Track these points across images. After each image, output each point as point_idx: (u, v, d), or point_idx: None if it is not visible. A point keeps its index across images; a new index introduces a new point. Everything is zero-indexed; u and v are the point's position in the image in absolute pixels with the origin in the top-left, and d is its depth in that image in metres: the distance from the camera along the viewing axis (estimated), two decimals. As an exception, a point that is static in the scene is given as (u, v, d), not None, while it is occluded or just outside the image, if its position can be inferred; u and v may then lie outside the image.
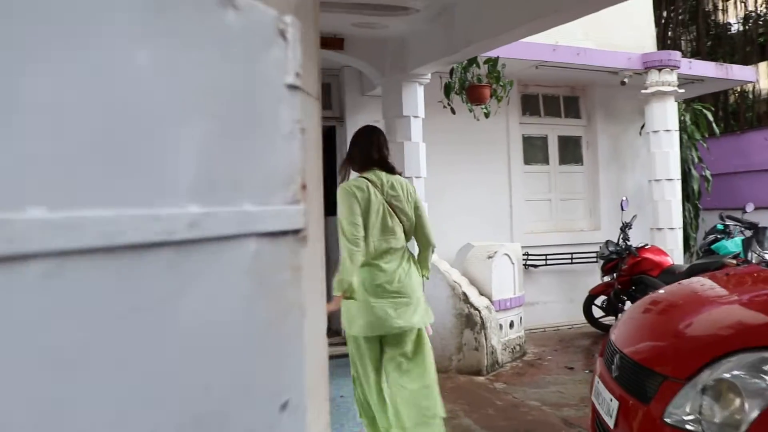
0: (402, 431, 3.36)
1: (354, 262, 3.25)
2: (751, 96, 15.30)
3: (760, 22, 16.26)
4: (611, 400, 2.69)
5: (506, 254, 6.34)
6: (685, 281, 3.55)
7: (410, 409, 3.36)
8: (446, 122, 6.87)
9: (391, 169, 3.59)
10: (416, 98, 6.05)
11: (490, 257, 6.22)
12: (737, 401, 2.14)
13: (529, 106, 8.20)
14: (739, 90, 14.83)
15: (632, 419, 2.49)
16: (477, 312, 5.83)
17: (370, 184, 3.44)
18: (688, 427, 2.22)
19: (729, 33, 17.37)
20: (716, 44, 17.29)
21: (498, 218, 7.69)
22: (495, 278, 6.18)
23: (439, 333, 5.83)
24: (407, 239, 3.60)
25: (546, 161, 8.25)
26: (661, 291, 3.48)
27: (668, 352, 2.54)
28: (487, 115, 6.36)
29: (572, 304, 7.80)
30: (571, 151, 8.45)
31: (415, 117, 6.04)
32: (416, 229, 3.64)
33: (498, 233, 7.57)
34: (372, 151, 3.58)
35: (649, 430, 2.37)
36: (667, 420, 2.28)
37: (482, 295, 6.09)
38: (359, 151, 3.62)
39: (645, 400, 2.42)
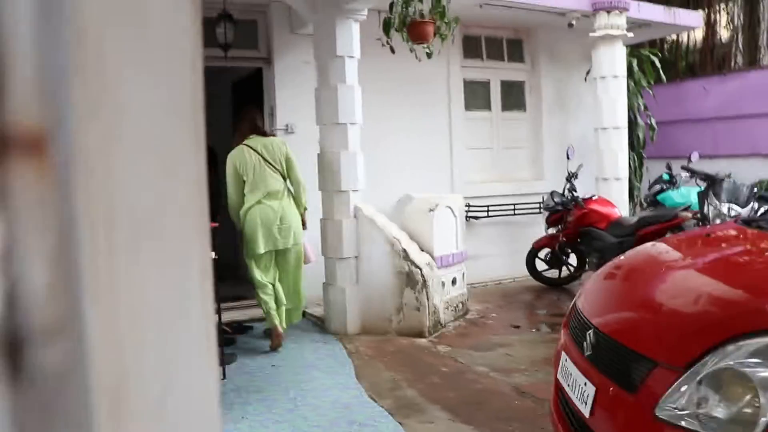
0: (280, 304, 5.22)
1: (234, 209, 5.07)
2: (685, 45, 15.30)
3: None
4: (585, 384, 2.33)
5: (448, 207, 6.07)
6: (656, 243, 3.23)
7: (287, 293, 5.26)
8: (383, 64, 6.51)
9: (264, 134, 5.25)
10: (351, 36, 5.67)
11: (431, 210, 5.92)
12: (747, 395, 1.83)
13: (471, 48, 7.85)
14: (674, 39, 14.79)
15: (615, 410, 2.15)
16: (418, 270, 5.54)
17: (246, 148, 5.06)
18: (684, 423, 1.89)
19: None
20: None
21: (438, 167, 7.47)
22: (437, 233, 5.90)
23: (378, 292, 5.67)
24: (285, 181, 5.13)
25: (488, 107, 7.99)
26: (631, 253, 3.15)
27: (657, 331, 2.17)
28: (429, 56, 5.90)
29: (515, 256, 7.59)
30: (514, 97, 8.19)
31: (350, 57, 5.68)
32: (289, 174, 5.16)
33: (438, 184, 7.35)
34: (251, 122, 5.21)
35: (637, 425, 2.04)
36: (660, 414, 1.93)
37: (423, 251, 5.81)
38: (244, 123, 5.22)
39: (630, 389, 2.07)
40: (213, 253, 4.88)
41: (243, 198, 5.07)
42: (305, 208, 5.30)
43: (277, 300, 5.23)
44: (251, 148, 5.08)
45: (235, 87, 7.85)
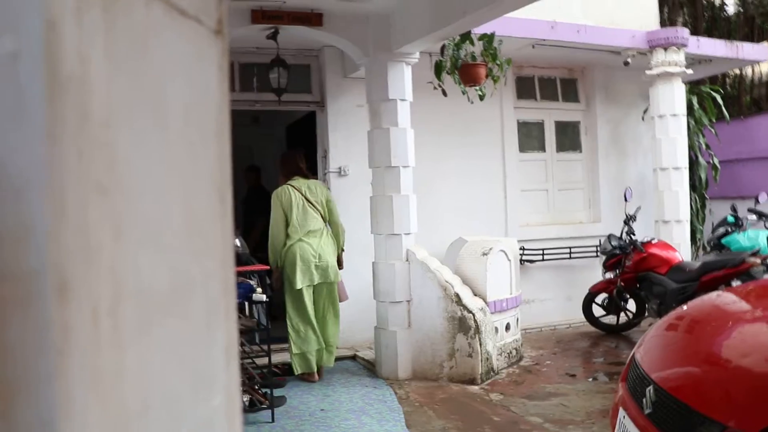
0: (322, 344, 5.44)
1: (275, 246, 5.36)
2: (749, 79, 14.85)
3: (756, 3, 15.82)
4: (646, 445, 2.22)
5: (502, 250, 5.96)
6: (722, 292, 3.07)
7: (327, 331, 5.48)
8: (436, 106, 6.55)
9: (306, 176, 5.50)
10: (403, 80, 5.69)
11: (484, 254, 5.83)
12: None
13: (525, 89, 7.77)
14: (737, 73, 14.38)
15: (678, 475, 2.04)
16: (471, 315, 5.44)
17: (290, 188, 5.39)
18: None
19: (724, 15, 16.92)
20: (711, 26, 16.86)
21: (492, 210, 7.35)
22: (490, 277, 5.80)
23: (430, 337, 5.59)
24: (325, 222, 5.46)
25: (542, 148, 7.87)
26: (695, 303, 2.99)
27: (725, 392, 2.03)
28: (482, 98, 5.93)
29: (570, 302, 7.45)
30: (569, 137, 8.05)
31: (402, 100, 5.68)
32: (329, 216, 5.51)
33: (492, 226, 7.25)
34: (294, 164, 5.50)
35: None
36: (728, 483, 1.81)
37: (476, 295, 5.72)
38: (287, 165, 5.52)
39: (694, 453, 1.97)
40: (265, 296, 4.93)
41: (285, 235, 5.37)
42: (342, 249, 5.61)
43: (312, 341, 5.40)
44: (295, 188, 5.40)
45: (290, 130, 7.91)
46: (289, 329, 5.44)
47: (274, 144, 8.21)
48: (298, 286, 5.29)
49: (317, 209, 5.40)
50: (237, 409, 0.56)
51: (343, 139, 6.60)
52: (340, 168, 6.57)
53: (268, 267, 5.46)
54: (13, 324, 0.33)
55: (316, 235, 5.37)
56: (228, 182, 0.57)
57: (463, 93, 5.92)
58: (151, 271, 0.47)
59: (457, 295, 5.45)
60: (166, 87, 0.48)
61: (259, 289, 4.88)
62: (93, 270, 0.39)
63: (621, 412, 2.57)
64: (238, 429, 0.58)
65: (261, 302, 4.89)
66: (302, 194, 5.38)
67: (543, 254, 7.41)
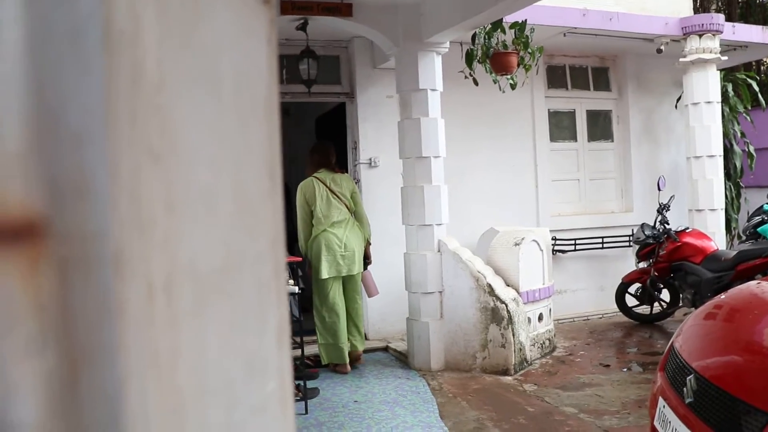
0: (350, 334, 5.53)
1: (303, 235, 5.42)
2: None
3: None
4: (687, 434, 2.17)
5: (534, 240, 5.91)
6: (761, 282, 2.99)
7: (354, 319, 5.56)
8: (466, 96, 6.52)
9: (333, 169, 5.52)
10: (434, 69, 5.61)
11: (516, 244, 5.77)
12: None
13: (555, 78, 7.67)
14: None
15: (722, 465, 1.99)
16: (504, 305, 5.39)
17: (314, 180, 5.42)
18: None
19: (759, 0, 16.60)
20: (746, 12, 16.55)
21: (523, 201, 7.24)
22: (522, 267, 5.74)
23: (462, 328, 5.55)
24: (351, 213, 5.48)
25: (574, 138, 7.75)
26: (734, 292, 2.92)
27: (769, 380, 1.99)
28: (513, 87, 5.86)
29: (603, 291, 7.38)
30: (600, 126, 7.93)
31: (433, 90, 5.60)
32: (355, 209, 5.52)
33: (523, 217, 7.16)
34: (322, 157, 5.52)
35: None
36: (776, 474, 1.76)
37: (509, 286, 5.67)
38: (315, 157, 5.53)
39: (740, 443, 1.92)
40: (297, 287, 4.92)
41: (311, 227, 5.43)
42: (369, 242, 5.61)
43: (340, 332, 5.45)
44: (320, 180, 5.44)
45: (319, 121, 7.90)
46: (316, 319, 5.51)
47: (304, 136, 8.18)
48: (324, 275, 5.34)
49: (341, 200, 5.44)
50: (290, 396, 0.54)
51: (374, 130, 6.57)
52: (370, 159, 6.55)
53: (301, 258, 5.42)
54: (76, 288, 0.32)
55: (341, 226, 5.41)
56: (278, 160, 0.56)
57: (495, 82, 5.87)
58: (204, 247, 0.46)
59: (490, 286, 5.39)
60: (218, 55, 0.47)
61: (291, 281, 4.84)
62: (147, 241, 0.37)
63: (660, 402, 2.52)
64: (291, 416, 0.55)
65: (293, 294, 4.83)
66: (326, 186, 5.42)
67: (575, 244, 7.33)
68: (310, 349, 5.66)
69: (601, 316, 7.32)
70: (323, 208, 5.38)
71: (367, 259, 5.64)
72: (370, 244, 5.65)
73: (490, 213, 6.88)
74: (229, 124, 0.49)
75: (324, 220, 5.38)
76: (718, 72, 7.38)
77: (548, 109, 7.49)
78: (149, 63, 0.38)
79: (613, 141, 7.94)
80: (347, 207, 5.47)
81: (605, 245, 7.48)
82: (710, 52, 7.02)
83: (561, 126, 7.67)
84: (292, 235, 6.12)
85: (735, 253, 6.06)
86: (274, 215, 0.55)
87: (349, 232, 5.43)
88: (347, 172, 6.19)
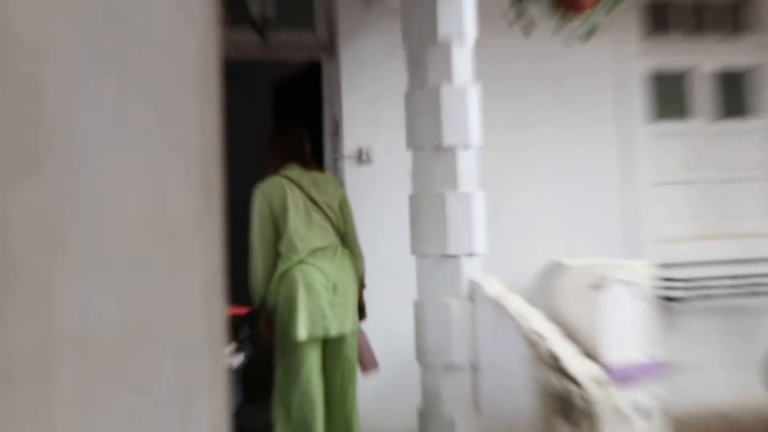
0: None
1: (259, 271, 5.09)
2: None
3: None
4: None
5: (626, 281, 5.55)
6: None
7: (343, 412, 5.29)
8: (513, 54, 6.50)
9: (308, 164, 5.25)
10: (461, 10, 5.43)
11: (597, 287, 5.44)
12: None
13: (657, 21, 7.46)
14: None
15: None
16: (578, 389, 5.00)
17: (285, 181, 5.09)
18: None
19: None
20: None
21: (606, 217, 7.05)
22: (608, 325, 5.44)
23: (508, 427, 5.23)
24: (339, 235, 5.15)
25: (687, 115, 7.54)
26: None
27: None
28: (588, 34, 5.58)
29: (748, 368, 7.08)
30: (732, 96, 7.71)
31: (460, 43, 5.41)
32: (344, 230, 5.23)
33: (608, 243, 6.92)
34: (291, 145, 5.31)
35: None
36: None
37: (585, 355, 5.29)
38: (279, 146, 5.34)
39: None
40: (241, 356, 4.63)
41: (274, 256, 5.10)
42: (363, 284, 5.36)
43: None
44: (292, 181, 5.10)
45: (279, 91, 7.78)
46: (276, 410, 5.15)
47: (253, 113, 8.11)
48: (301, 336, 4.91)
49: (326, 215, 5.13)
50: None
51: (365, 104, 6.41)
52: (359, 151, 6.41)
53: (248, 309, 5.26)
54: None
55: (327, 255, 5.11)
56: (217, 164, 0.64)
57: (557, 30, 5.66)
58: (98, 301, 0.52)
59: (554, 356, 5.05)
60: (124, 5, 0.55)
61: (232, 347, 5.12)
62: (11, 296, 0.43)
63: None
64: None
65: (236, 370, 5.06)
66: (303, 191, 5.08)
67: (697, 288, 7.07)
68: (262, 461, 5.27)
69: (742, 408, 7.06)
70: (299, 225, 5.08)
71: (360, 312, 5.43)
72: (364, 287, 5.38)
73: (554, 237, 6.75)
74: (140, 108, 0.56)
75: (300, 245, 5.02)
76: None
77: (645, 71, 7.34)
78: (20, 15, 0.44)
79: (756, 119, 7.76)
80: (334, 226, 5.17)
81: (747, 290, 7.23)
82: None
83: (667, 97, 7.37)
84: (235, 273, 6.06)
85: None
86: (209, 245, 0.64)
87: (340, 267, 5.16)
88: (323, 168, 6.04)
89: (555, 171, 6.98)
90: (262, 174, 5.43)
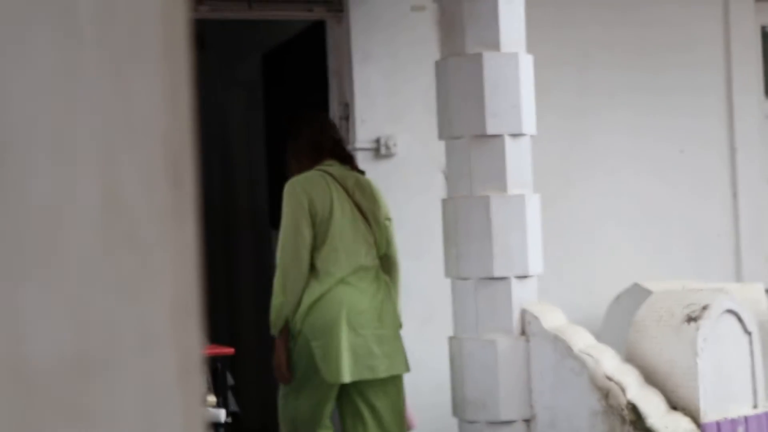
0: None
1: (291, 289, 5.09)
2: None
3: None
4: None
5: (733, 311, 5.59)
6: None
7: None
8: (576, 15, 6.68)
9: (350, 161, 5.38)
10: None
11: (692, 320, 5.42)
12: None
13: None
14: None
15: None
16: None
17: (329, 178, 5.15)
18: None
19: None
20: None
21: (705, 226, 7.10)
22: (707, 369, 5.42)
23: None
24: (379, 255, 5.28)
25: None
26: None
27: None
28: None
29: None
30: None
31: None
32: (385, 248, 5.37)
33: (705, 263, 6.95)
34: (322, 137, 5.35)
35: None
36: None
37: (676, 408, 5.38)
38: (305, 140, 5.36)
39: None
40: (224, 412, 4.60)
41: (306, 273, 5.14)
42: (400, 323, 5.40)
43: None
44: (335, 179, 5.16)
45: (269, 62, 7.82)
46: None
47: (236, 94, 8.25)
48: (344, 378, 4.97)
49: (371, 229, 5.22)
50: None
51: (384, 78, 6.45)
52: (377, 141, 6.47)
53: (232, 351, 5.41)
54: None
55: (368, 277, 5.16)
56: (188, 149, 0.64)
57: None
58: (38, 322, 0.54)
59: (636, 410, 5.18)
60: None
61: (211, 398, 5.09)
62: None
63: None
64: None
65: (217, 426, 5.11)
66: (348, 194, 5.13)
67: None
68: None
69: None
70: (346, 233, 5.13)
71: None
72: (401, 326, 5.41)
73: (632, 253, 6.81)
74: (91, 73, 0.57)
75: (345, 260, 5.09)
76: None
77: (763, 29, 7.38)
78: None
79: None
80: (376, 244, 5.24)
81: None
82: None
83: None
84: (216, 297, 5.92)
85: None
86: (179, 254, 0.65)
87: (383, 294, 5.21)
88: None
89: (636, 166, 7.01)
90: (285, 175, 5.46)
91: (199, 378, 0.60)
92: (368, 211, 5.15)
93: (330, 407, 5.13)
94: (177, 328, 0.56)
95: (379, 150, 6.48)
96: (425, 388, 5.97)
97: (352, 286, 5.02)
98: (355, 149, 6.40)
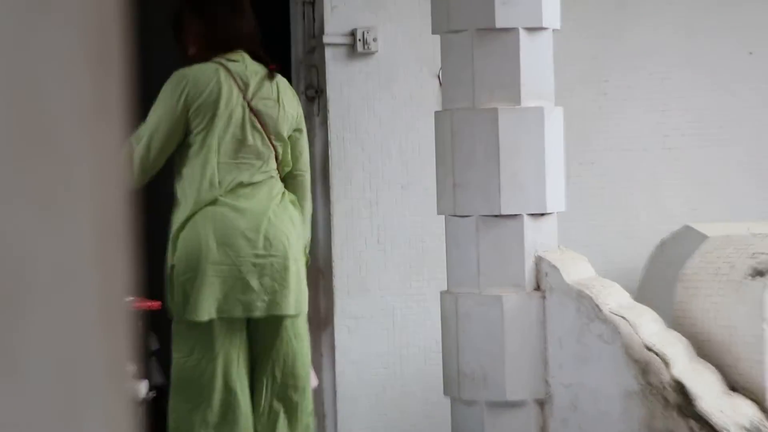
0: None
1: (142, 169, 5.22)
2: None
3: None
4: None
5: None
6: None
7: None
8: None
9: (261, 57, 5.33)
10: None
11: (758, 273, 5.46)
12: None
13: None
14: None
15: None
16: None
17: (224, 73, 5.19)
18: None
19: None
20: None
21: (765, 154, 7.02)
22: None
23: None
24: (282, 171, 5.36)
25: None
26: None
27: None
28: None
29: None
30: None
31: None
32: (293, 163, 5.44)
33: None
34: (235, 21, 5.37)
35: None
36: None
37: (735, 388, 5.41)
38: (212, 21, 5.35)
39: None
40: (145, 384, 4.31)
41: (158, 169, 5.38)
42: (307, 256, 5.50)
43: None
44: (233, 76, 5.21)
45: None
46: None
47: None
48: (201, 315, 5.08)
49: (270, 141, 5.26)
50: None
51: None
52: (352, 34, 6.39)
53: (159, 305, 5.42)
54: None
55: (255, 194, 5.28)
56: (118, 25, 0.64)
57: None
58: None
59: (680, 387, 5.16)
60: None
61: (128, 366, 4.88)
62: None
63: None
64: None
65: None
66: (245, 96, 5.17)
67: None
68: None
69: None
70: (227, 146, 5.22)
71: None
72: (308, 261, 5.50)
73: (682, 186, 6.84)
74: None
75: (220, 178, 5.21)
76: None
77: None
78: None
79: None
80: (277, 159, 5.30)
81: None
82: None
83: None
84: (154, 232, 5.98)
85: None
86: (106, 165, 0.67)
87: (276, 211, 5.28)
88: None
89: (686, 73, 6.96)
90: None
91: (126, 322, 0.61)
92: (268, 120, 5.20)
93: (228, 364, 5.15)
94: (100, 258, 0.56)
95: (355, 46, 6.37)
96: (409, 358, 6.07)
97: (227, 204, 5.16)
98: (324, 45, 6.38)
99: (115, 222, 0.57)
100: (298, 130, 5.40)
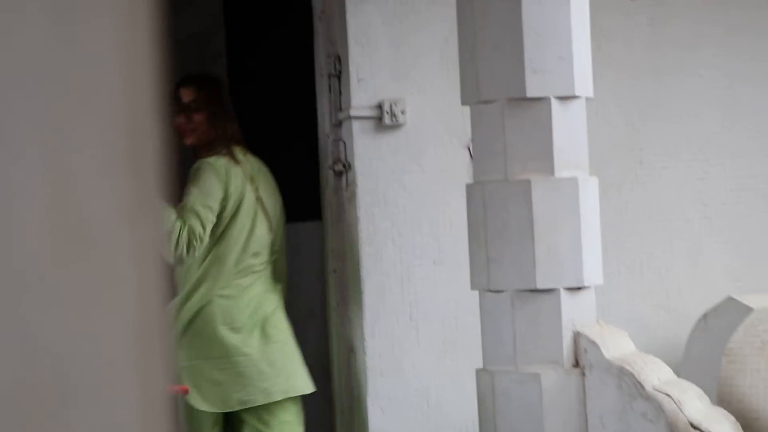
0: None
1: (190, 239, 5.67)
2: None
3: None
4: None
5: None
6: None
7: None
8: None
9: (245, 144, 5.95)
10: None
11: None
12: None
13: None
14: None
15: None
16: None
17: (234, 167, 5.75)
18: None
19: None
20: None
21: None
22: None
23: None
24: (272, 255, 5.97)
25: None
26: None
27: None
28: None
29: None
30: None
31: None
32: (276, 245, 6.05)
33: None
34: (232, 117, 6.04)
35: None
36: None
37: None
38: (228, 109, 6.06)
39: None
40: None
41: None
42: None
43: None
44: (245, 171, 5.79)
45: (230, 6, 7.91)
46: None
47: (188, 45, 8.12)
48: (200, 404, 5.57)
49: (271, 227, 5.86)
50: None
51: (389, 24, 6.46)
52: (380, 107, 6.39)
53: (186, 390, 5.55)
54: None
55: (258, 281, 5.84)
56: (152, 128, 0.67)
57: None
58: None
59: None
60: None
61: None
62: None
63: None
64: None
65: None
66: (254, 187, 5.75)
67: None
68: None
69: None
70: (241, 237, 5.77)
71: None
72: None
73: (725, 256, 6.85)
74: (30, 38, 0.62)
75: (231, 268, 5.73)
76: None
77: None
78: None
79: None
80: (271, 243, 5.89)
81: None
82: None
83: None
84: None
85: None
86: (144, 262, 0.69)
87: (279, 303, 5.91)
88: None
89: (727, 136, 6.99)
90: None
91: (166, 419, 0.61)
92: (270, 210, 5.81)
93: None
94: (142, 357, 0.58)
95: (382, 119, 6.42)
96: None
97: (229, 298, 5.76)
98: (351, 118, 6.39)
99: (153, 318, 0.61)
100: (281, 210, 6.16)
